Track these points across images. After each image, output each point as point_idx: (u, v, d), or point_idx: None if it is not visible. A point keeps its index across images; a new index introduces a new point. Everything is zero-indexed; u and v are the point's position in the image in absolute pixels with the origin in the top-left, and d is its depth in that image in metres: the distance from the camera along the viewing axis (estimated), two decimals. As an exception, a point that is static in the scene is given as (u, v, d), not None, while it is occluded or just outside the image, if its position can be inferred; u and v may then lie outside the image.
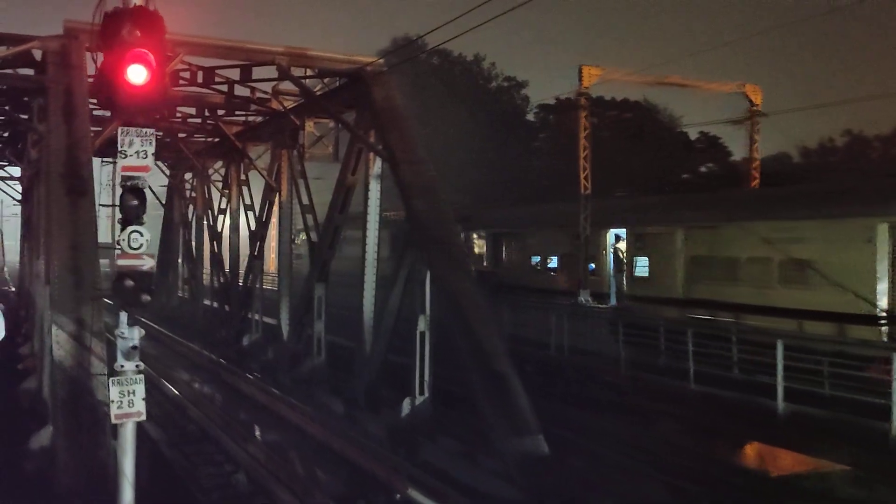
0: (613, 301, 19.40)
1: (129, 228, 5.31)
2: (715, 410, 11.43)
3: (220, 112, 18.30)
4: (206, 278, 27.26)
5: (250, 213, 20.57)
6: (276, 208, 19.03)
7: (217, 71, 14.51)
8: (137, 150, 5.24)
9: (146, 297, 5.19)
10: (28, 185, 20.60)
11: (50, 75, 11.22)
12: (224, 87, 15.37)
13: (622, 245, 19.15)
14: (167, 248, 29.27)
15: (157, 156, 27.30)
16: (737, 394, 11.41)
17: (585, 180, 18.57)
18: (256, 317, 20.07)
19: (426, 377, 12.18)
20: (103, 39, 5.01)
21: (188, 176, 27.20)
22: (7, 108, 16.30)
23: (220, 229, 23.46)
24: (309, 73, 14.05)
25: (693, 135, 48.49)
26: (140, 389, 5.38)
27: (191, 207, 26.67)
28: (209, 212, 24.25)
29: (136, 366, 5.37)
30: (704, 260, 16.33)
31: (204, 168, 22.77)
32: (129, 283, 5.16)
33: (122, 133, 5.22)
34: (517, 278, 22.01)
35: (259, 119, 19.20)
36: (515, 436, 9.71)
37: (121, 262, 5.23)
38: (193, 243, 26.24)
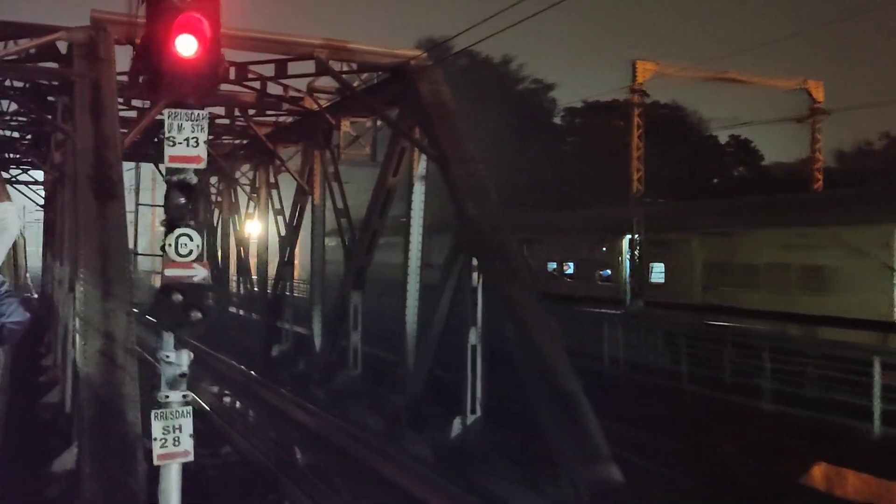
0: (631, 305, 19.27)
1: (177, 232, 4.43)
2: (798, 433, 10.42)
3: (251, 112, 17.51)
4: (231, 285, 26.64)
5: (280, 218, 19.79)
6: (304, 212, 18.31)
7: (250, 67, 13.72)
8: (188, 137, 4.37)
9: (198, 315, 4.31)
10: (51, 189, 19.92)
11: (76, 69, 10.43)
12: (256, 85, 14.63)
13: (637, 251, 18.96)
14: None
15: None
16: (819, 414, 10.43)
17: (639, 182, 17.62)
18: (286, 326, 19.24)
19: (478, 394, 11.25)
20: (148, 4, 4.17)
21: (213, 180, 26.51)
22: (30, 107, 15.58)
23: (247, 234, 22.71)
24: (347, 67, 13.19)
25: (723, 138, 47.48)
26: (187, 424, 4.51)
27: (216, 212, 25.95)
28: (235, 216, 23.49)
29: (184, 396, 4.49)
30: (720, 266, 16.38)
31: (231, 171, 21.99)
32: (178, 297, 4.28)
33: (169, 117, 4.36)
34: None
35: (289, 119, 18.42)
36: (586, 462, 8.77)
37: (168, 272, 4.36)
38: (219, 249, 25.50)
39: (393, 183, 13.75)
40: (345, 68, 13.29)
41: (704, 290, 16.15)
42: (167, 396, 4.48)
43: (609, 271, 19.73)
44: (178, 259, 4.43)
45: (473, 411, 11.24)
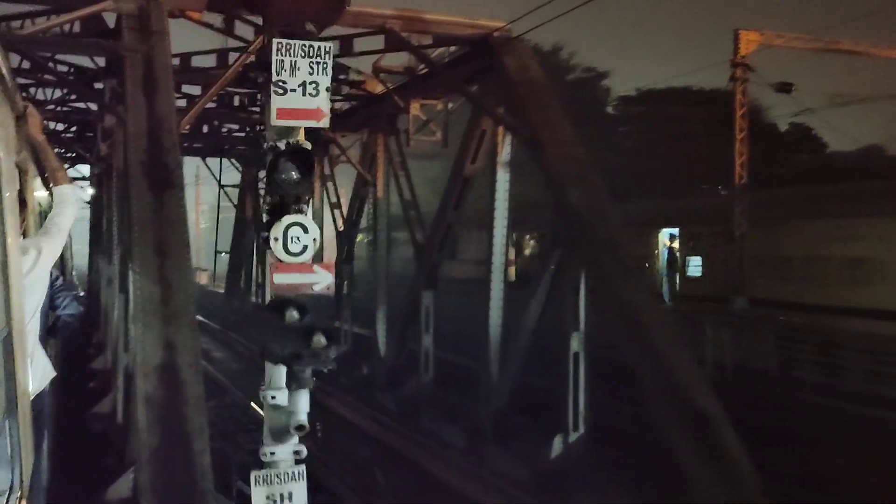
0: (667, 300, 19.04)
1: (286, 220, 3.13)
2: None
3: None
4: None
5: (337, 212, 18.57)
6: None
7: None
8: (305, 82, 3.08)
9: (321, 341, 3.00)
10: (97, 183, 18.90)
11: (125, 42, 9.23)
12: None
13: (676, 244, 19.00)
14: (239, 251, 27.53)
15: (230, 151, 25.40)
16: None
17: (741, 168, 16.03)
18: (344, 326, 18.01)
19: (581, 409, 9.84)
20: None
21: (262, 174, 25.40)
22: (78, 90, 14.54)
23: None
24: (417, 42, 11.81)
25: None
26: (300, 492, 3.20)
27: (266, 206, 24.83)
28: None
29: (295, 453, 3.18)
30: (759, 259, 15.84)
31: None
32: (293, 314, 2.98)
33: (278, 51, 3.06)
34: None
35: (346, 105, 17.15)
36: (727, 489, 7.35)
37: (278, 278, 3.06)
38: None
39: (471, 171, 12.37)
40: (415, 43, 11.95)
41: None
42: (272, 453, 3.18)
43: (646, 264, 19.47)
44: (289, 259, 3.11)
45: (576, 428, 9.84)
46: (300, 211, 3.21)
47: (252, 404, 12.82)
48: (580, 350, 9.84)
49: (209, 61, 14.08)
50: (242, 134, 21.44)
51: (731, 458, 7.51)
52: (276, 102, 3.10)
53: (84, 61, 12.76)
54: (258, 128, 19.84)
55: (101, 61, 12.23)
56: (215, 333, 24.69)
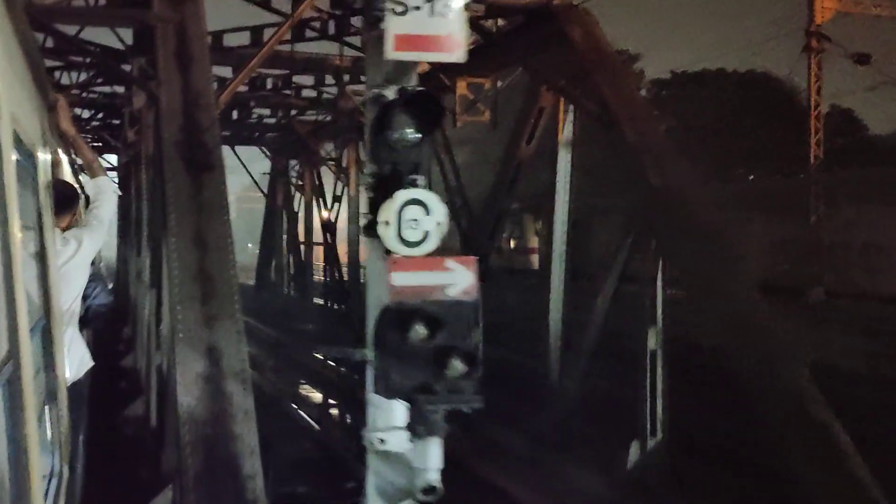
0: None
1: (401, 198, 2.22)
2: None
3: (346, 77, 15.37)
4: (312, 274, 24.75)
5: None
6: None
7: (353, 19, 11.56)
8: (433, 5, 2.16)
9: (460, 368, 2.09)
10: (125, 172, 18.14)
11: (156, 12, 8.34)
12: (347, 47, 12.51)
13: None
14: (270, 241, 26.75)
15: (259, 139, 24.57)
16: None
17: (817, 146, 14.88)
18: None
19: (659, 413, 8.87)
20: None
21: (293, 162, 24.60)
22: (100, 80, 13.77)
23: (334, 219, 20.71)
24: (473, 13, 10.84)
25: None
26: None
27: (297, 195, 24.03)
28: (321, 199, 21.47)
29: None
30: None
31: (315, 150, 19.94)
32: (420, 330, 2.07)
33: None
34: None
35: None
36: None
37: (397, 278, 2.15)
38: (302, 235, 23.59)
39: (527, 153, 11.41)
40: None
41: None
42: (386, 523, 2.26)
43: None
44: (407, 250, 2.19)
45: (654, 433, 8.88)
46: (416, 184, 2.30)
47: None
48: (657, 348, 8.86)
49: (242, 39, 13.21)
50: (273, 120, 20.59)
51: (850, 471, 6.55)
52: (394, 26, 2.18)
53: (110, 41, 11.92)
54: (291, 113, 19.00)
55: (129, 37, 11.39)
56: (252, 330, 23.96)
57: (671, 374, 8.89)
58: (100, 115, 18.18)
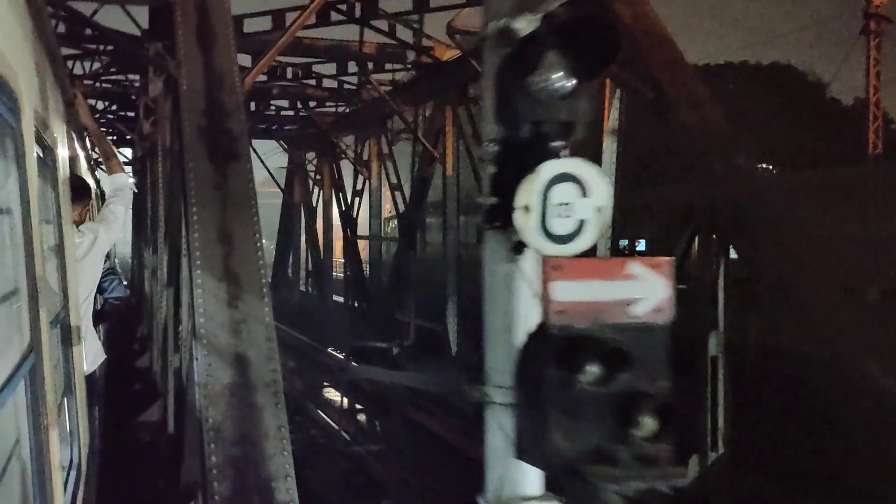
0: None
1: (548, 171, 1.53)
2: None
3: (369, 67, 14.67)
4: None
5: (397, 194, 16.99)
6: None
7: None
8: None
9: (652, 427, 1.40)
10: (140, 165, 17.54)
11: (175, -13, 7.66)
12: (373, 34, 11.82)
13: None
14: (287, 237, 26.10)
15: (277, 133, 23.99)
16: None
17: (875, 134, 14.06)
18: (407, 319, 16.46)
19: (720, 424, 8.13)
20: None
21: (310, 155, 23.93)
22: (114, 69, 13.14)
23: (354, 214, 20.04)
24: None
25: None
26: None
27: (315, 190, 23.37)
28: (340, 194, 20.80)
29: None
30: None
31: (335, 143, 19.26)
32: (594, 369, 1.38)
33: None
34: None
35: (407, 77, 15.54)
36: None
37: (556, 290, 1.45)
38: (320, 231, 22.93)
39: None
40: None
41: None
42: None
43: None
44: (556, 248, 1.50)
45: (714, 448, 8.15)
46: (558, 153, 1.60)
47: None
48: (719, 354, 8.12)
49: (262, 24, 12.54)
50: (291, 112, 19.92)
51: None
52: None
53: (125, 25, 11.30)
54: (310, 104, 18.34)
55: (144, 21, 10.76)
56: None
57: (734, 383, 8.18)
58: (114, 107, 17.56)
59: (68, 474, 3.10)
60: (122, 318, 16.57)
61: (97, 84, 14.73)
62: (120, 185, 5.25)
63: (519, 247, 1.56)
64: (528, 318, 1.57)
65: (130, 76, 15.27)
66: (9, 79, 2.02)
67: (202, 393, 5.48)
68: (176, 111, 8.60)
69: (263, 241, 9.32)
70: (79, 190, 4.97)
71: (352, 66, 15.06)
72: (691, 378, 8.25)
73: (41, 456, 2.28)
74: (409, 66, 13.90)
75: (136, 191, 6.15)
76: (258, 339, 5.56)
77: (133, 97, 15.77)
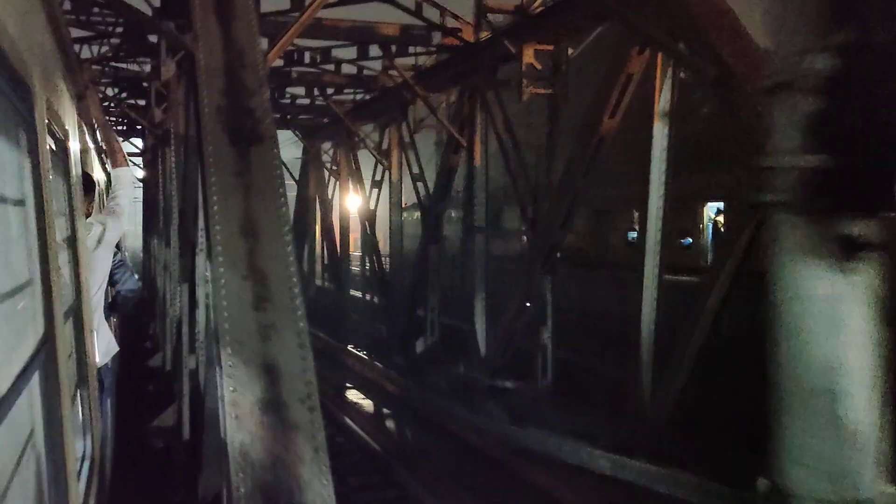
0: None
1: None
2: None
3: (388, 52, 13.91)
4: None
5: (419, 184, 16.25)
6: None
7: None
8: None
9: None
10: (151, 156, 16.86)
11: (190, -46, 6.91)
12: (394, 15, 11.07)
13: (720, 218, 18.73)
14: (302, 230, 25.43)
15: (291, 122, 23.19)
16: None
17: None
18: (430, 315, 15.74)
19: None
20: None
21: (326, 145, 23.23)
22: (122, 52, 12.44)
23: (373, 206, 19.32)
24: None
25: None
26: None
27: (331, 181, 22.68)
28: (358, 186, 20.10)
29: None
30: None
31: (352, 132, 18.52)
32: None
33: None
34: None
35: (429, 61, 14.79)
36: None
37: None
38: (336, 224, 22.26)
39: (609, 127, 9.91)
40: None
41: None
42: None
43: (690, 239, 19.35)
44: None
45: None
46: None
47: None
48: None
49: (280, 4, 11.81)
50: (307, 101, 19.22)
51: None
52: None
53: (136, 3, 10.58)
54: (327, 91, 17.61)
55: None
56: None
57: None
58: (123, 95, 16.87)
59: (81, 465, 3.09)
60: (133, 314, 15.93)
61: (105, 68, 14.04)
62: (123, 177, 5.31)
63: (857, 247, 0.85)
64: (866, 373, 0.86)
65: (141, 61, 14.59)
66: (22, 70, 2.00)
67: (227, 410, 4.76)
68: (191, 94, 7.92)
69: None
70: (84, 184, 5.03)
71: (373, 51, 14.34)
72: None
73: (56, 446, 2.28)
74: (435, 48, 13.14)
75: (138, 183, 6.18)
76: (290, 346, 4.83)
77: (144, 84, 15.10)
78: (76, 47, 12.85)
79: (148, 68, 13.79)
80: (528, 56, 11.23)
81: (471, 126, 13.26)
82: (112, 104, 17.52)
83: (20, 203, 2.20)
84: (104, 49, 13.13)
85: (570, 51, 11.34)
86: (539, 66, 11.34)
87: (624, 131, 9.85)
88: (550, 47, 11.34)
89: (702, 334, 8.31)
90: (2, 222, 2.07)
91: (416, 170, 16.19)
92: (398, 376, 14.67)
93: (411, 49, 14.04)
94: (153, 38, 11.61)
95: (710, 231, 19.13)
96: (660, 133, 8.92)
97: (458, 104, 13.77)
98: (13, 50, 1.88)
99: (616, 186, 15.61)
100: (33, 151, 2.24)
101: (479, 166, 13.28)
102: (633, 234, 21.18)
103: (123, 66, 14.29)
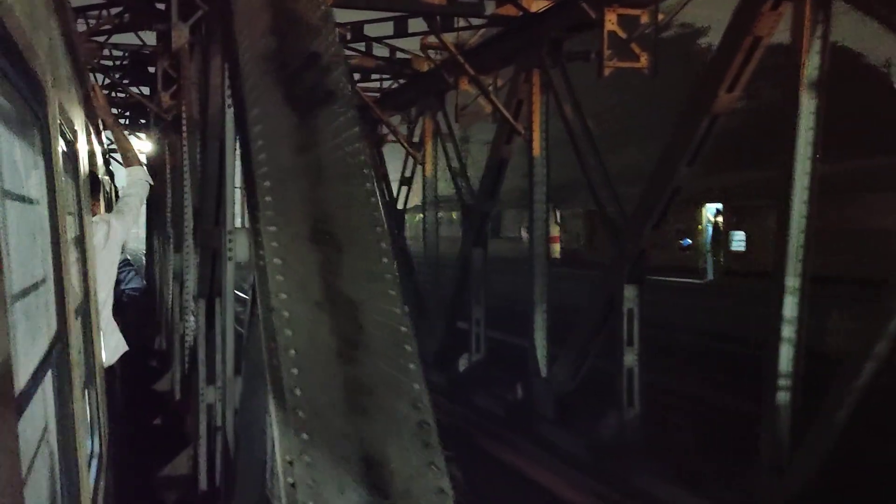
0: (710, 276, 19.54)
1: None
2: None
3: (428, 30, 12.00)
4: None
5: (458, 180, 14.38)
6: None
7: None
8: None
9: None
10: (158, 150, 14.95)
11: None
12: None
13: (720, 219, 19.34)
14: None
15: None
16: None
17: None
18: (476, 328, 13.85)
19: None
20: None
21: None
22: (127, 15, 10.59)
23: (401, 206, 17.44)
24: None
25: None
26: None
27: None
28: (383, 184, 18.19)
29: None
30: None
31: (383, 121, 16.61)
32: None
33: None
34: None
35: (474, 39, 12.92)
36: None
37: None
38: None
39: (726, 103, 8.03)
40: None
41: None
42: None
43: (689, 240, 20.12)
44: None
45: None
46: None
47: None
48: None
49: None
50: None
51: None
52: None
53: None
54: (354, 76, 15.71)
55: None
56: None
57: None
58: (126, 81, 14.98)
59: (90, 462, 3.04)
60: (135, 322, 14.09)
61: (104, 42, 12.17)
62: (136, 178, 5.36)
63: None
64: None
65: (146, 45, 12.76)
66: (36, 68, 2.00)
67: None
68: (228, 30, 6.08)
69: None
70: (92, 185, 4.99)
71: (413, 26, 12.47)
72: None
73: (68, 442, 2.33)
74: (487, 19, 11.25)
75: (152, 184, 5.80)
76: (401, 428, 2.91)
77: (150, 68, 13.27)
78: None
79: (154, 43, 11.96)
80: (611, 22, 9.35)
81: (528, 110, 11.40)
82: (114, 92, 15.67)
83: (34, 202, 2.22)
84: (103, 21, 11.23)
85: (660, 16, 9.46)
86: (623, 35, 9.46)
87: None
88: (638, 11, 9.47)
89: (871, 365, 6.43)
90: (17, 221, 1.99)
91: (454, 163, 14.33)
92: (441, 398, 12.80)
93: (457, 25, 12.17)
94: (161, 5, 9.77)
95: (710, 233, 19.78)
96: (806, 108, 7.01)
97: (513, 85, 11.88)
98: (29, 50, 1.87)
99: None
100: (46, 152, 2.27)
101: (538, 156, 11.40)
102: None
103: (125, 44, 12.45)
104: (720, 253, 19.03)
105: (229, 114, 5.92)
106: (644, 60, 9.54)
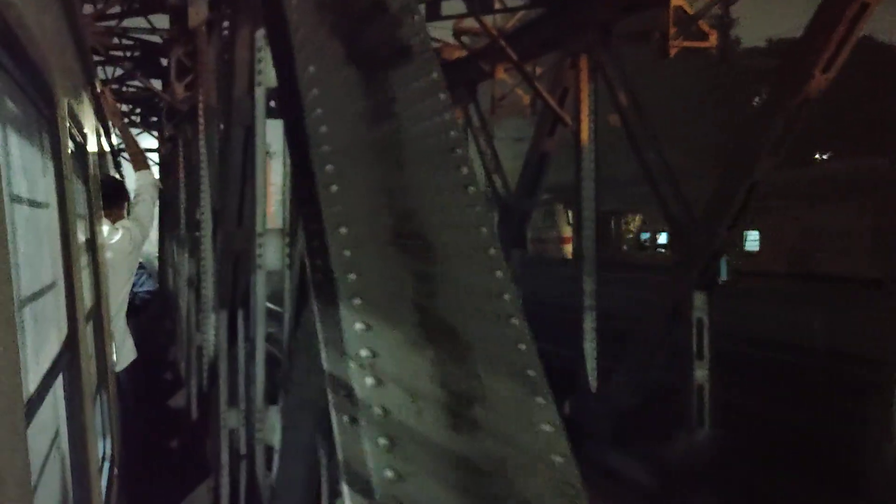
0: (724, 276, 18.97)
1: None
2: None
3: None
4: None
5: (495, 177, 13.39)
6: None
7: None
8: None
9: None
10: (171, 146, 14.06)
11: None
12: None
13: None
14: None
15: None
16: None
17: None
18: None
19: None
20: None
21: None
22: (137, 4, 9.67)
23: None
24: None
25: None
26: None
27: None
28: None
29: None
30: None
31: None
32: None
33: None
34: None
35: (512, 21, 11.94)
36: None
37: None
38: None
39: (820, 84, 7.00)
40: None
41: None
42: None
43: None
44: None
45: None
46: None
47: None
48: None
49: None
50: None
51: None
52: None
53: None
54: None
55: None
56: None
57: None
58: (136, 74, 14.05)
59: (102, 465, 3.15)
60: (147, 328, 13.14)
61: (115, 27, 11.24)
62: (145, 182, 5.31)
63: None
64: None
65: (157, 29, 11.83)
66: (44, 69, 1.98)
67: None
68: (232, 44, 5.26)
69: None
70: (117, 191, 5.20)
71: (446, 9, 11.50)
72: None
73: (79, 446, 2.33)
74: (503, 9, 10.26)
75: (161, 187, 6.05)
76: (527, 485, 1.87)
77: (163, 60, 12.37)
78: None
79: (166, 29, 11.02)
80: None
81: (575, 98, 10.37)
82: (123, 86, 14.77)
83: (44, 206, 2.19)
84: (112, 3, 10.30)
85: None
86: (691, 11, 8.45)
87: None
88: (708, -13, 8.46)
89: None
90: (27, 225, 2.00)
91: (487, 159, 13.31)
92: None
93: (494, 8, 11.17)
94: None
95: None
96: None
97: (557, 72, 10.87)
98: (36, 51, 1.83)
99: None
100: (55, 154, 2.25)
101: (586, 146, 10.38)
102: (645, 235, 21.30)
103: (135, 28, 11.52)
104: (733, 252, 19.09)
105: (259, 92, 4.96)
106: (714, 39, 8.50)
